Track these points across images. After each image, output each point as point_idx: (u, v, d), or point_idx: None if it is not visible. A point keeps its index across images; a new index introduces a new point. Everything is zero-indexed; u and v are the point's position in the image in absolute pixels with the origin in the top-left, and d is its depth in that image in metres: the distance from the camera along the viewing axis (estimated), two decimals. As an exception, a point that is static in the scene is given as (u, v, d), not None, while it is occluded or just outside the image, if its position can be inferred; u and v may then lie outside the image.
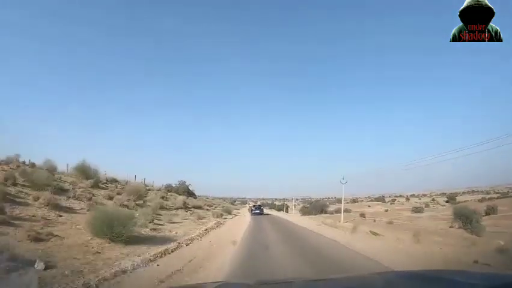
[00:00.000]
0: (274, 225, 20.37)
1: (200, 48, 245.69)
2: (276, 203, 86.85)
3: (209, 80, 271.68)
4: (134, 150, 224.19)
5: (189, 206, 28.09)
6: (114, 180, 26.78)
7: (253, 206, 45.41)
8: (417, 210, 68.04)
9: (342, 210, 30.84)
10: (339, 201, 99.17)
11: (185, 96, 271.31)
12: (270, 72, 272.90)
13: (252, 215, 37.93)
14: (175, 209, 21.32)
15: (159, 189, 35.28)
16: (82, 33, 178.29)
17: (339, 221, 25.65)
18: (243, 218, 30.14)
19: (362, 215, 42.68)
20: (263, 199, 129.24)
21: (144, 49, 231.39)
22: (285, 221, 26.85)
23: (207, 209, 32.39)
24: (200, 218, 18.86)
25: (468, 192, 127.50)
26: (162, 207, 20.23)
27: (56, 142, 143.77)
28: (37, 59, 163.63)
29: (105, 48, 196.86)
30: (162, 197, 26.69)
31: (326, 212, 47.39)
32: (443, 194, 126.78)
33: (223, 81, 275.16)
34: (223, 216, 24.47)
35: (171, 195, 31.39)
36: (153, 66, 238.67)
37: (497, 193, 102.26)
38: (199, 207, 29.18)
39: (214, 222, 17.01)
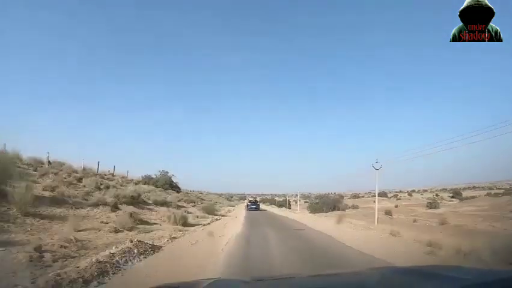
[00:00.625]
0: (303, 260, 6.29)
1: (200, 44, 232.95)
2: (277, 198, 76.24)
3: (212, 77, 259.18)
4: (137, 147, 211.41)
5: (149, 202, 17.18)
6: (60, 165, 16.78)
7: (249, 201, 41.64)
8: (432, 206, 58.34)
9: (376, 209, 19.82)
10: (340, 197, 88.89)
11: (187, 90, 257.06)
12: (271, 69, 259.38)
13: (247, 210, 33.89)
14: (89, 206, 10.22)
15: (131, 180, 24.89)
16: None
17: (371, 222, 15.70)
18: (230, 225, 14.27)
19: (388, 213, 31.77)
20: (262, 194, 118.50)
21: (143, 46, 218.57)
22: (313, 234, 11.43)
23: (183, 206, 21.46)
24: (122, 228, 7.91)
25: (469, 188, 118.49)
26: (57, 203, 9.31)
27: (55, 137, 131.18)
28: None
29: (104, 44, 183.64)
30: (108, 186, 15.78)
31: (339, 209, 36.66)
32: (444, 190, 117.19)
33: (224, 78, 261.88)
34: (194, 222, 13.21)
35: (140, 188, 20.30)
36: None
37: (499, 189, 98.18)
38: (164, 204, 18.16)
39: (126, 245, 5.83)
